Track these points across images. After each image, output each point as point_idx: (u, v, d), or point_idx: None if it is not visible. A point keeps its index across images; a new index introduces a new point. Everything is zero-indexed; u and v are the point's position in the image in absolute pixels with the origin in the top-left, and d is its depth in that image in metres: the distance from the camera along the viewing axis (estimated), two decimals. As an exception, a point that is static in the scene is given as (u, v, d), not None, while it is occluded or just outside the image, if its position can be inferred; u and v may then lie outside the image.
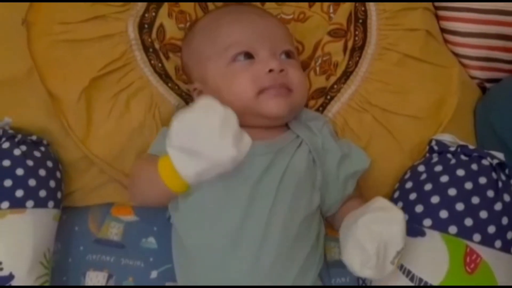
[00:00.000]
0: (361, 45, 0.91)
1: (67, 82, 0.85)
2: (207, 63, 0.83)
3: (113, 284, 0.86)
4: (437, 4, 0.93)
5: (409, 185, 0.79)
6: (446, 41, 0.93)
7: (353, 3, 0.92)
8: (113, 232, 0.89)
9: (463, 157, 0.78)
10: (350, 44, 0.92)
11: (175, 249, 0.82)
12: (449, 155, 0.79)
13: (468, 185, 0.75)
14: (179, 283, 0.81)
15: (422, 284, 0.71)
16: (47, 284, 0.79)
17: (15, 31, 0.84)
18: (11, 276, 0.74)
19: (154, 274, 0.87)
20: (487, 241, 0.73)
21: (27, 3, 0.85)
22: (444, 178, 0.76)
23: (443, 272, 0.72)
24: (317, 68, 0.92)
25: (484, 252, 0.72)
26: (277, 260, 0.75)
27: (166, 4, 0.91)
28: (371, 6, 0.92)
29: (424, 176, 0.78)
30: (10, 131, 0.82)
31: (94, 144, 0.86)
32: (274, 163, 0.78)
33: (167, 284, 0.86)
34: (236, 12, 0.88)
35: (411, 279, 0.72)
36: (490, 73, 0.93)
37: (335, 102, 0.90)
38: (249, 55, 0.81)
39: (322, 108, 0.91)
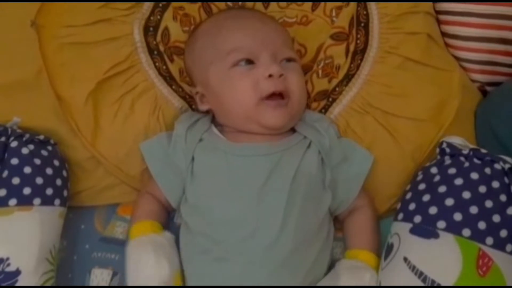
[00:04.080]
0: (363, 48, 0.92)
1: (74, 85, 0.87)
2: (208, 67, 0.84)
3: (117, 281, 0.86)
4: (438, 8, 0.93)
5: (422, 186, 0.78)
6: (447, 45, 0.94)
7: (355, 7, 0.93)
8: (119, 231, 0.89)
9: (476, 160, 0.77)
10: (352, 47, 0.93)
11: (184, 244, 0.83)
12: (462, 158, 0.78)
13: (482, 189, 0.74)
14: (186, 279, 0.81)
15: (435, 285, 0.71)
16: (52, 280, 0.80)
17: (24, 34, 0.85)
18: (18, 272, 0.75)
19: (158, 271, 0.88)
20: (499, 244, 0.72)
21: (36, 7, 0.86)
22: (459, 181, 0.75)
23: (456, 274, 0.71)
24: (320, 71, 0.93)
25: (496, 256, 0.72)
26: (289, 259, 0.76)
27: (171, 7, 0.92)
28: (373, 10, 0.93)
29: (437, 178, 0.77)
30: (19, 131, 0.83)
31: (101, 147, 0.87)
32: (281, 163, 0.80)
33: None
34: (238, 17, 0.89)
35: (423, 281, 0.71)
36: (491, 77, 0.94)
37: (337, 104, 0.91)
38: (250, 61, 0.82)
39: (324, 110, 0.92)
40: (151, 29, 0.92)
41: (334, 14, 0.94)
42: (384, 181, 0.87)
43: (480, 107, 0.93)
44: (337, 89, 0.92)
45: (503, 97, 0.89)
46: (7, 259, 0.75)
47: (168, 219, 0.89)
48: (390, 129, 0.88)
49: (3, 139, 0.81)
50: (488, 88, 0.95)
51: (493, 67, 0.93)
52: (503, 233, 0.72)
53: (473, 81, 0.95)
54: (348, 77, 0.92)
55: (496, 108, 0.89)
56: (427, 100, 0.89)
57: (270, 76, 0.80)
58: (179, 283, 0.76)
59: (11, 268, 0.75)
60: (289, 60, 0.85)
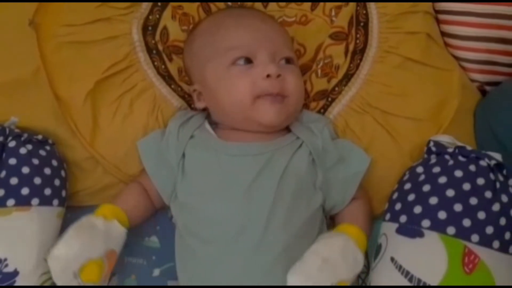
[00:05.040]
0: (362, 48, 0.92)
1: (72, 84, 0.87)
2: (206, 64, 0.84)
3: (116, 281, 0.86)
4: (437, 7, 0.93)
5: (407, 186, 0.79)
6: (446, 45, 0.94)
7: (355, 7, 0.93)
8: (117, 230, 0.89)
9: (461, 158, 0.78)
10: (351, 47, 0.93)
11: (177, 248, 0.83)
12: (447, 156, 0.79)
13: (466, 186, 0.74)
14: (180, 282, 0.82)
15: (421, 285, 0.71)
16: (51, 281, 0.78)
17: (22, 33, 0.85)
18: (16, 273, 0.75)
19: (156, 272, 0.88)
20: (485, 241, 0.72)
21: (34, 6, 0.86)
22: (442, 179, 0.76)
23: (441, 272, 0.71)
24: (319, 71, 0.93)
25: (482, 253, 0.72)
26: (277, 259, 0.75)
27: (170, 7, 0.92)
28: (372, 9, 0.92)
29: (422, 177, 0.78)
30: (17, 130, 0.83)
31: (100, 146, 0.87)
32: (271, 163, 0.79)
33: (169, 282, 0.87)
34: (237, 15, 0.88)
35: (410, 280, 0.72)
36: (490, 76, 0.94)
37: (336, 104, 0.91)
38: (248, 60, 0.82)
39: (323, 110, 0.92)
40: (150, 28, 0.92)
41: (333, 13, 0.94)
42: (382, 181, 0.87)
43: (479, 106, 0.93)
44: (336, 89, 0.92)
45: (503, 97, 0.89)
46: (5, 259, 0.75)
47: (154, 215, 0.89)
48: (389, 128, 0.88)
49: (1, 139, 0.80)
50: (487, 88, 0.95)
51: (492, 66, 0.93)
52: (489, 229, 0.72)
53: (473, 80, 0.95)
54: (348, 77, 0.92)
55: (496, 108, 0.89)
56: (426, 100, 0.89)
57: (268, 76, 0.80)
58: (91, 272, 0.73)
59: (9, 269, 0.75)
60: (287, 61, 0.85)
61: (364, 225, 0.81)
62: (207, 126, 0.87)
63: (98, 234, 0.76)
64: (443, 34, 0.94)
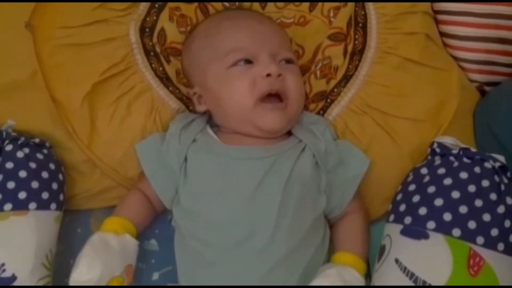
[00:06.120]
0: (361, 48, 0.92)
1: (69, 87, 0.86)
2: (206, 67, 0.84)
3: (115, 286, 0.86)
4: (436, 8, 0.93)
5: (412, 187, 0.79)
6: (445, 45, 0.94)
7: (353, 8, 0.93)
8: (115, 234, 0.89)
9: (465, 159, 0.77)
10: (350, 48, 0.92)
11: (179, 251, 0.83)
12: (451, 158, 0.78)
13: (472, 188, 0.74)
14: (181, 283, 0.81)
15: (426, 286, 0.71)
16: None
17: (19, 34, 0.85)
18: (13, 277, 0.75)
19: (155, 275, 0.87)
20: (490, 244, 0.72)
21: (31, 7, 0.85)
22: (448, 181, 0.75)
23: (446, 274, 0.71)
24: (318, 72, 0.93)
25: (487, 255, 0.72)
26: (280, 263, 0.75)
27: (167, 8, 0.92)
28: (371, 10, 0.92)
29: (427, 178, 0.77)
30: (13, 134, 0.82)
31: (98, 149, 0.87)
32: (275, 167, 0.79)
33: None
34: (236, 17, 0.88)
35: (415, 281, 0.71)
36: (489, 77, 0.94)
37: (335, 105, 0.91)
38: (249, 62, 0.82)
39: (322, 112, 0.91)
40: (147, 30, 0.91)
41: (332, 14, 0.94)
42: (382, 182, 0.87)
43: (478, 107, 0.93)
44: (335, 90, 0.92)
45: (502, 97, 0.89)
46: (3, 264, 0.75)
47: (153, 219, 0.88)
48: (388, 129, 0.88)
49: (-3, 142, 0.80)
50: (486, 88, 0.95)
51: (491, 66, 0.93)
52: (494, 232, 0.72)
53: (472, 81, 0.95)
54: (346, 78, 0.91)
55: (495, 108, 0.89)
56: (425, 101, 0.89)
57: (268, 75, 0.80)
58: None
59: (7, 274, 0.74)
60: (288, 61, 0.85)
61: (362, 249, 0.81)
62: (209, 130, 0.87)
63: (115, 252, 0.76)
64: (442, 34, 0.94)
